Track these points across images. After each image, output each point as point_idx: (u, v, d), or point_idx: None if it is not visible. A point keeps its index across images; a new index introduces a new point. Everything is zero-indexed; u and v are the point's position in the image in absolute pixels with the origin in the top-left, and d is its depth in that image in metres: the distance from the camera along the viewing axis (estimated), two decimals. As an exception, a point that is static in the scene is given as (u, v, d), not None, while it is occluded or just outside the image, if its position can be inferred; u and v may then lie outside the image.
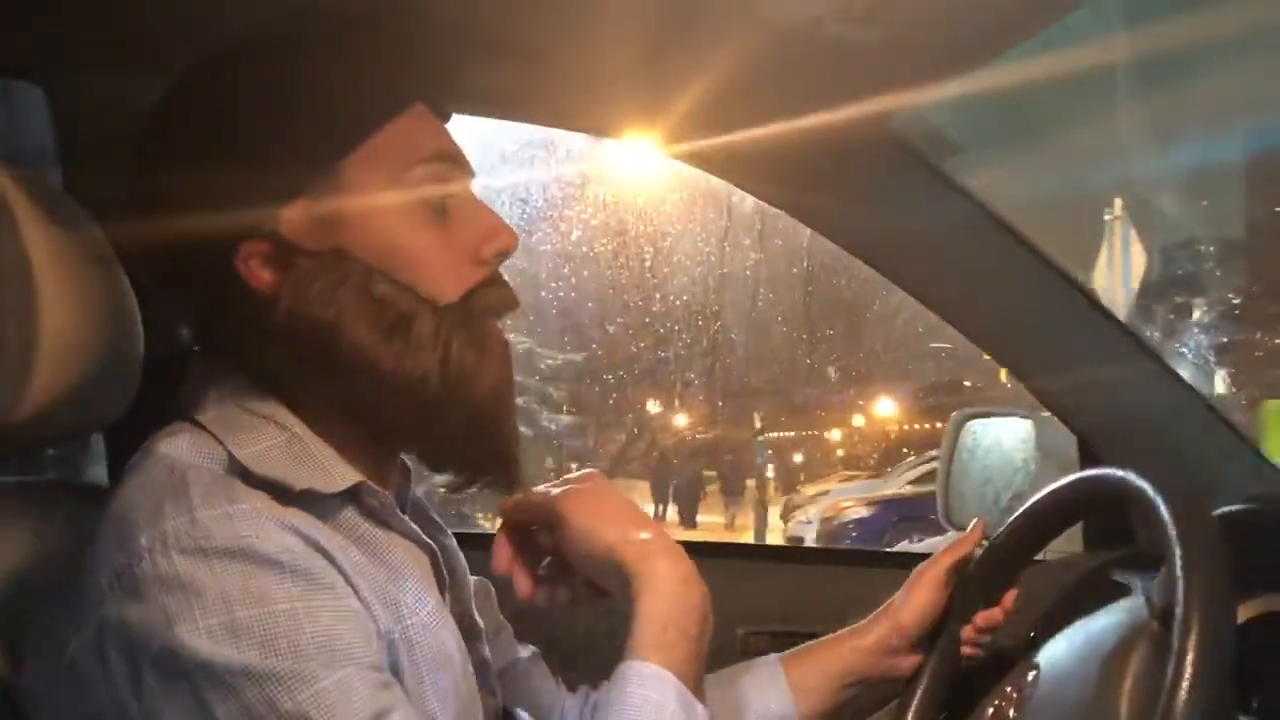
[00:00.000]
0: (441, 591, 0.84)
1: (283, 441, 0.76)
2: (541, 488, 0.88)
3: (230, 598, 0.65)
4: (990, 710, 0.92)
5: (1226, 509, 0.94)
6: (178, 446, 0.74)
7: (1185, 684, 0.69)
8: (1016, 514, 1.03)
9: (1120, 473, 0.88)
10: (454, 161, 0.81)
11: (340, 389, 0.77)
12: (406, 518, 0.82)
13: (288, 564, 0.68)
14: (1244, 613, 0.85)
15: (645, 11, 1.00)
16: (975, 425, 1.53)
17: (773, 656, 1.07)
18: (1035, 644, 0.96)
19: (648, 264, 12.74)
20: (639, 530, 0.82)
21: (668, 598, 0.78)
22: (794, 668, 1.06)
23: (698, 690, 0.77)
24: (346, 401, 0.78)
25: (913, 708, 1.02)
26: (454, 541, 0.92)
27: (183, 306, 0.83)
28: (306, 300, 0.75)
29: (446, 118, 0.85)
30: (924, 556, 1.08)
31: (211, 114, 0.77)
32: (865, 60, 1.04)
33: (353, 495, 0.77)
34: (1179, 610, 0.73)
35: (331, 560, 0.71)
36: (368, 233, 0.77)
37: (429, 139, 0.80)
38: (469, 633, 0.87)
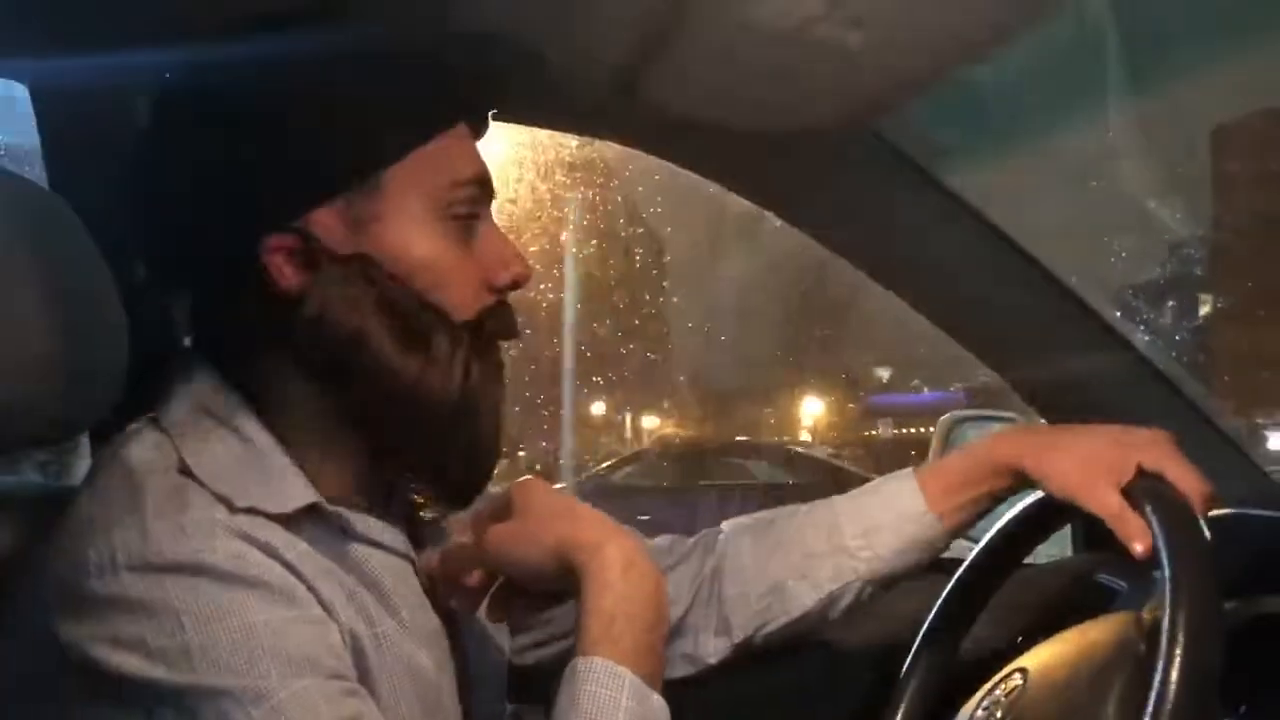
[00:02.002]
0: (432, 600, 0.82)
1: (239, 452, 0.74)
2: (463, 516, 0.85)
3: (181, 615, 0.64)
4: (978, 713, 0.92)
5: (1214, 513, 0.93)
6: (135, 449, 0.73)
7: (1173, 689, 0.69)
8: (1005, 518, 1.03)
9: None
10: (486, 187, 0.81)
11: (348, 397, 0.77)
12: (383, 526, 0.80)
13: (242, 576, 0.66)
14: (1232, 617, 0.85)
15: (632, 11, 1.00)
16: (966, 428, 1.53)
17: (906, 470, 0.98)
18: (1022, 648, 0.96)
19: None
20: (580, 525, 0.77)
21: (613, 586, 0.74)
22: (931, 480, 0.96)
23: (653, 681, 0.73)
24: (350, 410, 0.77)
25: (901, 711, 1.01)
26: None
27: (179, 304, 0.83)
28: (331, 302, 0.75)
29: (480, 137, 0.84)
30: None
31: (256, 101, 0.76)
32: (852, 62, 1.03)
33: (311, 509, 0.75)
34: (1166, 615, 0.73)
35: (290, 568, 0.69)
36: (397, 244, 0.76)
37: (468, 162, 0.80)
38: (464, 644, 0.85)
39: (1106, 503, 0.84)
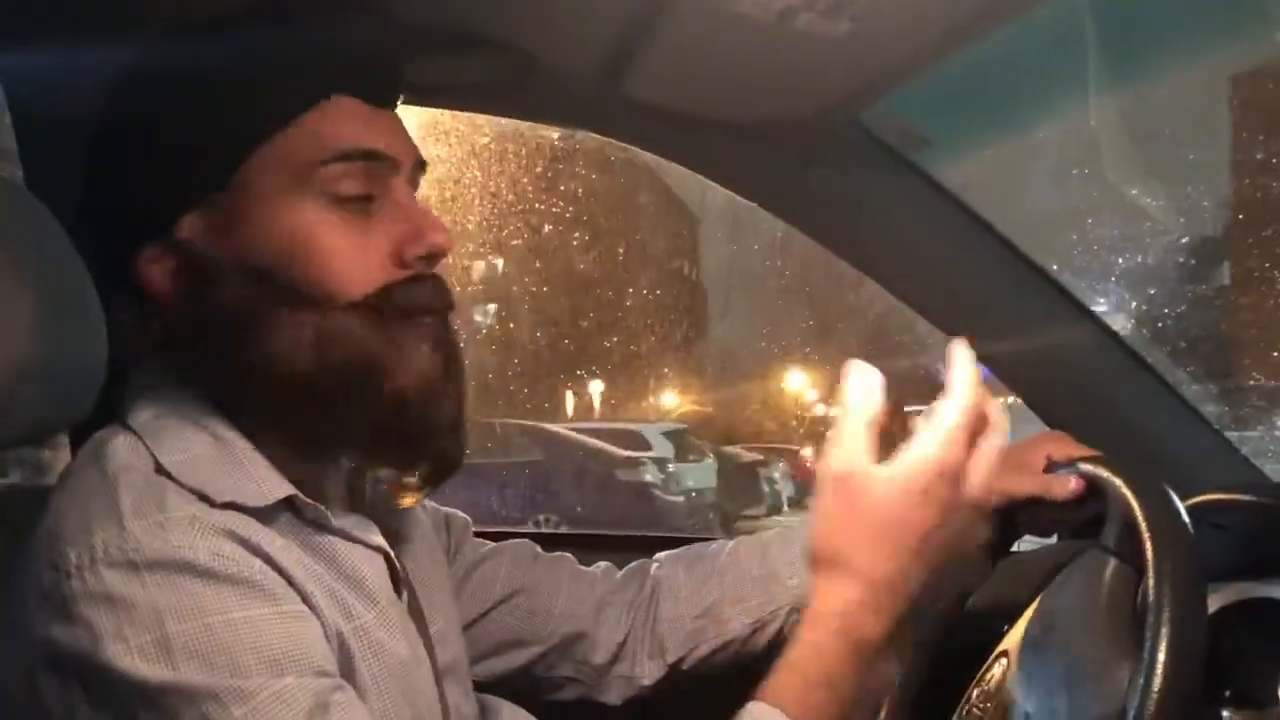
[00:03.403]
0: (397, 591, 0.82)
1: (212, 451, 0.74)
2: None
3: (162, 613, 0.64)
4: (973, 710, 0.92)
5: (1197, 499, 0.94)
6: (110, 451, 0.73)
7: (1159, 672, 0.70)
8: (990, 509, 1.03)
9: (1091, 466, 0.88)
10: (377, 159, 0.78)
11: (252, 393, 0.76)
12: (355, 519, 0.80)
13: (222, 573, 0.66)
14: (1215, 601, 0.86)
15: (615, 4, 0.99)
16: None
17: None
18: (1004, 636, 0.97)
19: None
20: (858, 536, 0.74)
21: (823, 631, 0.73)
22: None
23: None
24: (262, 406, 0.76)
25: (886, 702, 1.01)
26: (427, 534, 0.91)
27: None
28: (204, 305, 0.75)
29: (390, 106, 0.81)
30: None
31: (129, 117, 0.77)
32: (834, 53, 1.03)
33: (288, 504, 0.75)
34: (1151, 600, 0.73)
35: (271, 562, 0.69)
36: (270, 234, 0.75)
37: (345, 136, 0.77)
38: (434, 633, 0.86)
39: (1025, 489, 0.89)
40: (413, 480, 0.83)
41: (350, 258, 0.76)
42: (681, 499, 11.69)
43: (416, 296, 0.78)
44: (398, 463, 0.81)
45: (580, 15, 1.03)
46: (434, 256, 0.79)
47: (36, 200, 0.83)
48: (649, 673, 1.02)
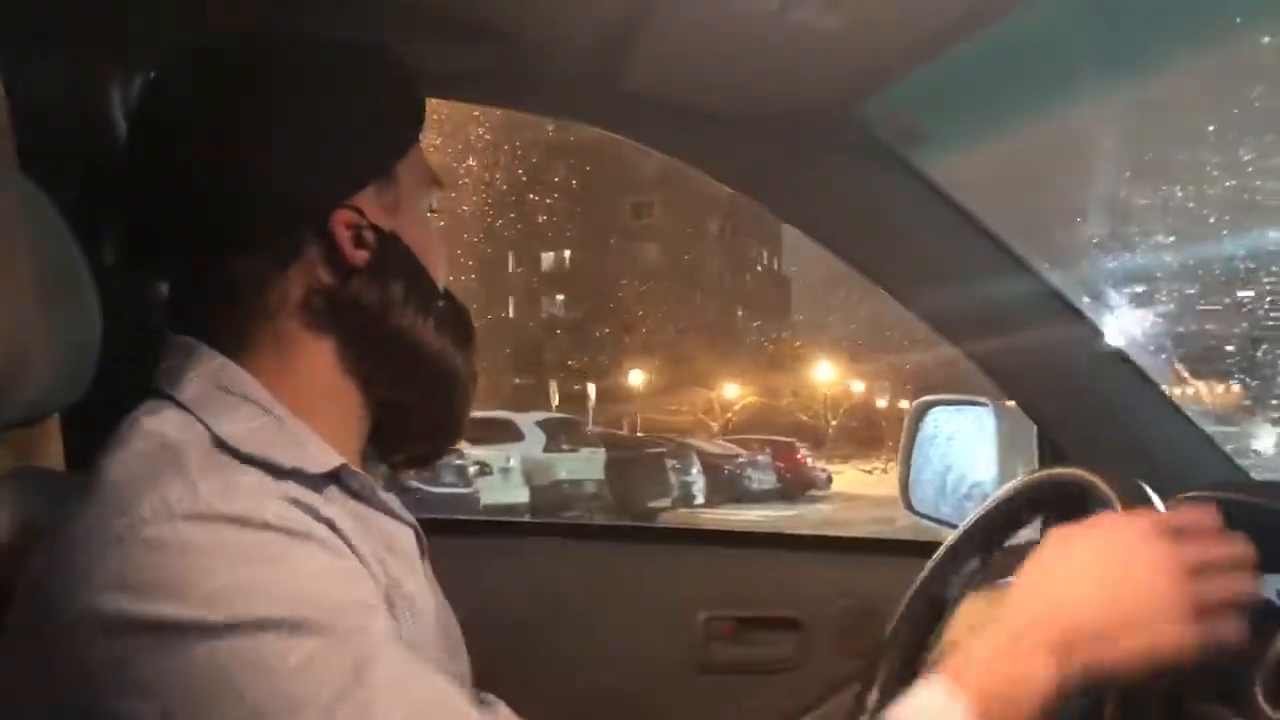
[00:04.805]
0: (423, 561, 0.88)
1: (266, 422, 0.76)
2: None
3: (236, 560, 0.66)
4: None
5: (1182, 496, 0.95)
6: (164, 424, 0.74)
7: None
8: (975, 511, 1.04)
9: (1076, 470, 0.89)
10: (442, 186, 0.89)
11: (369, 363, 0.81)
12: (388, 495, 0.85)
13: (288, 529, 0.69)
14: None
15: (611, -3, 1.00)
16: (936, 412, 1.54)
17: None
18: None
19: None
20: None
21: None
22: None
23: None
24: (362, 378, 0.81)
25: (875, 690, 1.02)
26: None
27: (156, 287, 0.85)
28: (377, 272, 0.80)
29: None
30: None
31: (303, 88, 0.80)
32: (831, 47, 1.04)
33: (334, 477, 0.78)
34: None
35: (331, 526, 0.72)
36: (407, 224, 0.83)
37: (425, 158, 0.88)
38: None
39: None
40: (425, 453, 0.90)
41: (438, 262, 0.86)
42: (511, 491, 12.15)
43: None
44: (432, 439, 0.89)
45: (576, 7, 1.03)
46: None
47: (30, 183, 0.83)
48: None
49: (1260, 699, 0.78)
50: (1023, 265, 1.33)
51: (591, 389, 21.83)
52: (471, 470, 11.49)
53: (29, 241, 0.78)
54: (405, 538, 0.85)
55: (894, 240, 1.35)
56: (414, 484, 9.21)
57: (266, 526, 0.68)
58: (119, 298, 0.90)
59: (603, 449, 14.85)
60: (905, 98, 1.22)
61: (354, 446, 0.83)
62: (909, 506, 1.48)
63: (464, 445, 11.70)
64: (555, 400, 22.71)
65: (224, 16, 0.88)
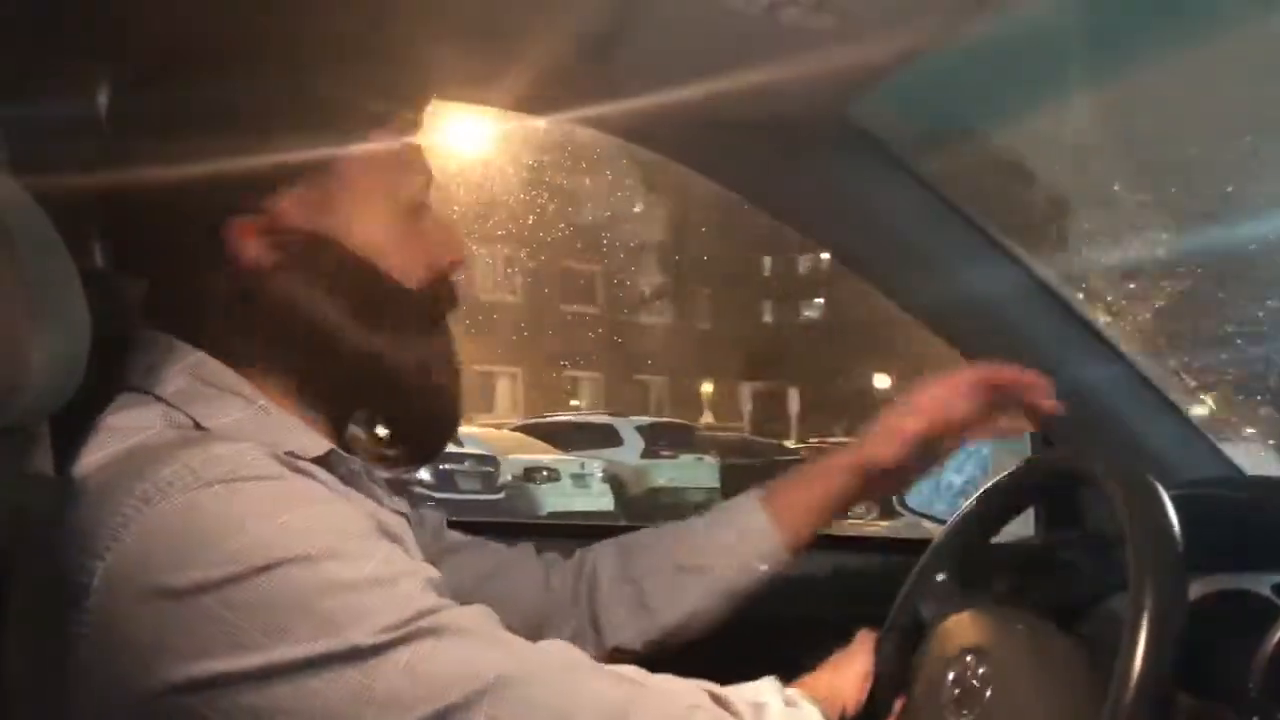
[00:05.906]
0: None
1: (252, 413, 0.77)
2: None
3: (272, 508, 0.67)
4: (953, 693, 0.92)
5: (1176, 492, 0.95)
6: (147, 418, 0.74)
7: (1138, 657, 0.71)
8: (972, 498, 1.04)
9: (1074, 455, 0.89)
10: (429, 175, 0.86)
11: (314, 364, 0.81)
12: (378, 483, 0.85)
13: (311, 482, 0.71)
14: (1190, 593, 0.87)
15: (601, -4, 0.99)
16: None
17: (752, 494, 1.10)
18: (981, 623, 0.97)
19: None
20: None
21: None
22: (774, 501, 1.09)
23: None
24: (318, 377, 0.81)
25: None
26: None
27: (135, 285, 0.83)
28: (292, 276, 0.79)
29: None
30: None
31: (220, 91, 0.79)
32: (821, 46, 1.04)
33: (324, 462, 0.78)
34: (1131, 585, 0.74)
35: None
36: (353, 224, 0.81)
37: (414, 150, 0.85)
38: None
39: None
40: (400, 456, 0.90)
41: (413, 254, 0.83)
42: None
43: (448, 293, 0.87)
44: (409, 439, 0.89)
45: (565, 7, 1.03)
46: (456, 267, 0.87)
47: (16, 184, 0.83)
48: (623, 639, 1.05)
49: (1256, 695, 0.78)
50: (1017, 262, 1.33)
51: (794, 395, 21.68)
52: (508, 476, 11.08)
53: (18, 245, 0.78)
54: (397, 524, 0.84)
55: (888, 238, 1.35)
56: (421, 490, 9.12)
57: (291, 478, 0.70)
58: (111, 298, 0.89)
59: (712, 455, 14.25)
60: (897, 96, 1.22)
61: (331, 438, 0.83)
62: (903, 504, 1.48)
63: (545, 450, 11.44)
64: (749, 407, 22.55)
65: (224, 17, 0.88)
